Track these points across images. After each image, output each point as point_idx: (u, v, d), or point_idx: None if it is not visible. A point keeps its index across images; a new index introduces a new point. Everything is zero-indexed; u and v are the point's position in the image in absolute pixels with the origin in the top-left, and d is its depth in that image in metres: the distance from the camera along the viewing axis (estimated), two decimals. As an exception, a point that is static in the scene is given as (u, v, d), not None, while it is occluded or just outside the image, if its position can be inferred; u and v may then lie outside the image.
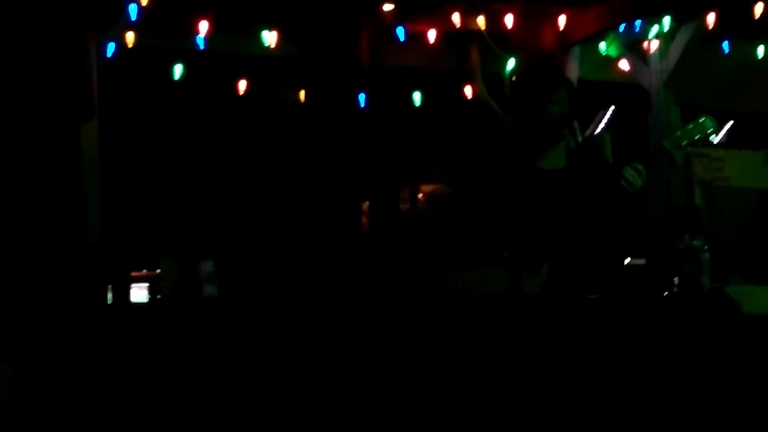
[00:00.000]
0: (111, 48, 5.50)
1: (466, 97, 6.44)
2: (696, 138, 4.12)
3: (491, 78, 6.38)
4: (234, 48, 6.05)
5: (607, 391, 3.46)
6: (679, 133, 4.16)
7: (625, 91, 6.96)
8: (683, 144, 4.15)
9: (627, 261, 4.86)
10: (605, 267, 4.18)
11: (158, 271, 3.85)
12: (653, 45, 6.42)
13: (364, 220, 5.21)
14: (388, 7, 5.83)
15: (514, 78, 6.28)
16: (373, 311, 3.33)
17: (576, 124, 4.30)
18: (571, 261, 4.03)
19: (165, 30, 5.74)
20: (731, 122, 7.78)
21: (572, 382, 3.42)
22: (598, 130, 7.42)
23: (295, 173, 4.37)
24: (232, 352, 3.11)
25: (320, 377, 3.16)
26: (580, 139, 4.27)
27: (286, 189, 4.12)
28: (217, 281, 3.66)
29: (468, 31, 6.20)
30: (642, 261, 4.94)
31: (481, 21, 6.14)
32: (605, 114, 7.28)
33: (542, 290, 3.99)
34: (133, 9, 5.37)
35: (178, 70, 5.83)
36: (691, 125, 4.14)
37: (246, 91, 5.95)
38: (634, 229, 4.35)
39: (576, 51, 6.41)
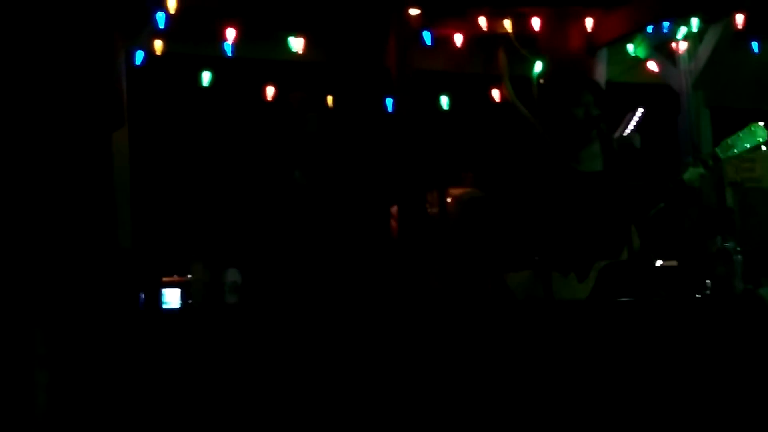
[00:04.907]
0: (140, 56, 5.54)
1: (493, 100, 6.42)
2: (747, 146, 4.13)
3: (519, 81, 6.36)
4: (261, 55, 6.07)
5: (641, 392, 3.44)
6: (730, 141, 4.17)
7: (653, 92, 6.91)
8: (735, 152, 4.17)
9: (659, 263, 4.84)
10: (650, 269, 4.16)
11: (189, 276, 3.87)
12: (682, 46, 6.39)
13: (393, 224, 5.20)
14: (414, 11, 5.83)
15: (541, 81, 6.26)
16: (403, 315, 3.33)
17: (604, 126, 4.28)
18: (620, 264, 3.99)
19: (192, 37, 5.77)
20: (761, 123, 7.70)
21: (604, 383, 3.40)
22: (627, 132, 7.37)
23: (323, 179, 4.37)
24: (262, 356, 3.11)
25: (348, 379, 3.16)
26: (611, 140, 4.26)
27: (312, 190, 4.12)
28: (241, 289, 3.66)
29: (495, 34, 6.19)
30: (674, 263, 4.91)
31: (507, 24, 6.13)
32: (634, 115, 7.23)
33: (592, 294, 3.95)
34: (160, 17, 5.41)
35: (206, 77, 5.86)
36: (742, 134, 4.15)
37: (274, 98, 5.97)
38: (678, 228, 4.34)
39: (604, 53, 6.39)
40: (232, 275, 3.67)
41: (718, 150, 4.17)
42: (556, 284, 3.86)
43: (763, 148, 4.18)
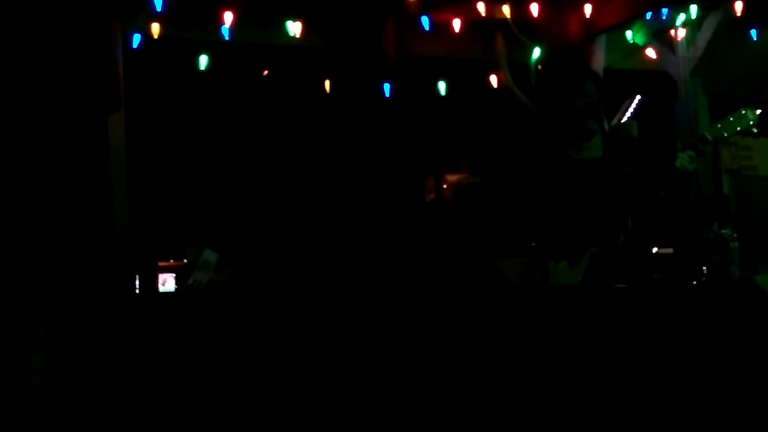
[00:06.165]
0: (137, 39, 5.52)
1: (491, 86, 6.41)
2: (737, 129, 4.13)
3: (517, 67, 6.35)
4: (259, 39, 6.06)
5: (637, 378, 3.45)
6: (720, 125, 4.18)
7: (652, 79, 6.90)
8: (725, 135, 4.18)
9: (655, 250, 4.85)
10: (643, 255, 4.17)
11: (185, 261, 3.87)
12: (680, 33, 6.37)
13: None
14: (412, -4, 5.82)
15: (539, 67, 6.25)
16: (400, 301, 3.33)
17: (602, 112, 4.28)
18: (612, 250, 4.01)
19: (190, 21, 5.76)
20: (759, 111, 7.70)
21: (600, 369, 3.41)
22: (625, 119, 7.37)
23: (320, 164, 4.37)
24: (259, 340, 3.11)
25: (345, 365, 3.16)
26: (606, 127, 4.26)
27: (308, 176, 4.13)
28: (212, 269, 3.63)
29: (493, 19, 6.17)
30: (671, 250, 4.92)
31: (506, 9, 6.11)
32: (632, 102, 7.22)
33: (584, 280, 3.96)
34: (158, 0, 5.39)
35: (203, 60, 5.85)
36: (732, 117, 4.14)
37: (269, 80, 5.96)
38: (671, 215, 4.35)
39: (602, 39, 6.37)
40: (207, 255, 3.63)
41: (706, 132, 4.16)
42: (549, 270, 3.87)
43: (755, 130, 4.18)
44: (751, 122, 4.12)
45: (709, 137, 4.12)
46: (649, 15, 6.28)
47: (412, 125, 5.61)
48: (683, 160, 4.09)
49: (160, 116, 6.26)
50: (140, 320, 3.04)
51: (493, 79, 6.41)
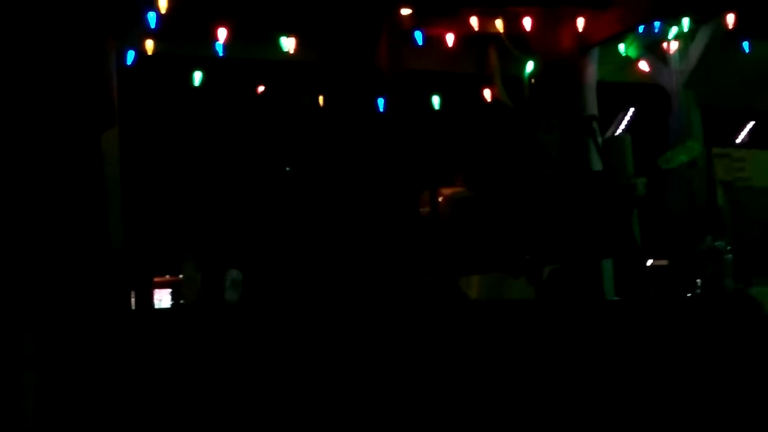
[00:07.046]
0: (131, 56, 5.53)
1: (485, 99, 6.43)
2: (684, 159, 4.57)
3: (510, 80, 6.37)
4: (253, 54, 6.07)
5: (631, 392, 3.45)
6: (669, 154, 4.62)
7: (645, 92, 6.93)
8: (671, 164, 4.63)
9: (650, 262, 4.87)
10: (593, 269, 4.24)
11: (181, 276, 3.87)
12: (673, 46, 6.41)
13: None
14: (406, 11, 5.84)
15: (533, 80, 6.27)
16: (395, 314, 3.33)
17: (596, 125, 4.30)
18: (567, 267, 4.05)
19: (184, 37, 5.77)
20: (752, 122, 7.73)
21: (595, 384, 3.41)
22: (618, 132, 7.40)
23: (315, 178, 4.38)
24: (253, 356, 3.11)
25: (340, 380, 3.16)
26: (600, 140, 4.29)
27: (305, 186, 4.14)
28: (241, 287, 3.66)
29: (486, 34, 6.20)
30: (665, 262, 4.93)
31: (499, 24, 6.14)
32: (625, 115, 7.25)
33: (539, 295, 3.98)
34: (152, 17, 5.40)
35: (197, 76, 5.86)
36: (680, 147, 4.62)
37: (264, 97, 5.98)
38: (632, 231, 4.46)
39: (595, 53, 6.40)
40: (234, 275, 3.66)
41: (660, 161, 4.56)
42: (506, 285, 3.91)
43: (699, 162, 4.60)
44: (696, 154, 4.49)
45: (661, 165, 4.43)
46: (641, 28, 6.31)
47: (406, 139, 5.62)
48: (638, 185, 4.26)
49: (154, 132, 6.26)
50: (136, 336, 3.04)
51: (487, 93, 6.43)
